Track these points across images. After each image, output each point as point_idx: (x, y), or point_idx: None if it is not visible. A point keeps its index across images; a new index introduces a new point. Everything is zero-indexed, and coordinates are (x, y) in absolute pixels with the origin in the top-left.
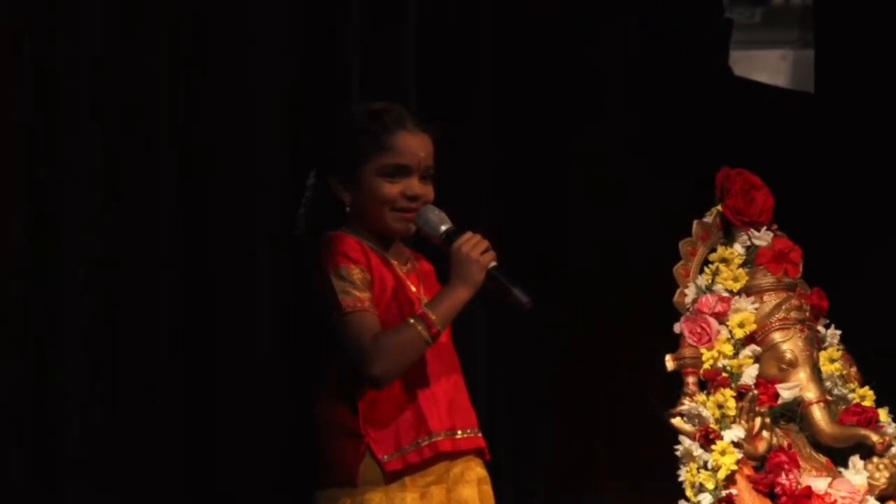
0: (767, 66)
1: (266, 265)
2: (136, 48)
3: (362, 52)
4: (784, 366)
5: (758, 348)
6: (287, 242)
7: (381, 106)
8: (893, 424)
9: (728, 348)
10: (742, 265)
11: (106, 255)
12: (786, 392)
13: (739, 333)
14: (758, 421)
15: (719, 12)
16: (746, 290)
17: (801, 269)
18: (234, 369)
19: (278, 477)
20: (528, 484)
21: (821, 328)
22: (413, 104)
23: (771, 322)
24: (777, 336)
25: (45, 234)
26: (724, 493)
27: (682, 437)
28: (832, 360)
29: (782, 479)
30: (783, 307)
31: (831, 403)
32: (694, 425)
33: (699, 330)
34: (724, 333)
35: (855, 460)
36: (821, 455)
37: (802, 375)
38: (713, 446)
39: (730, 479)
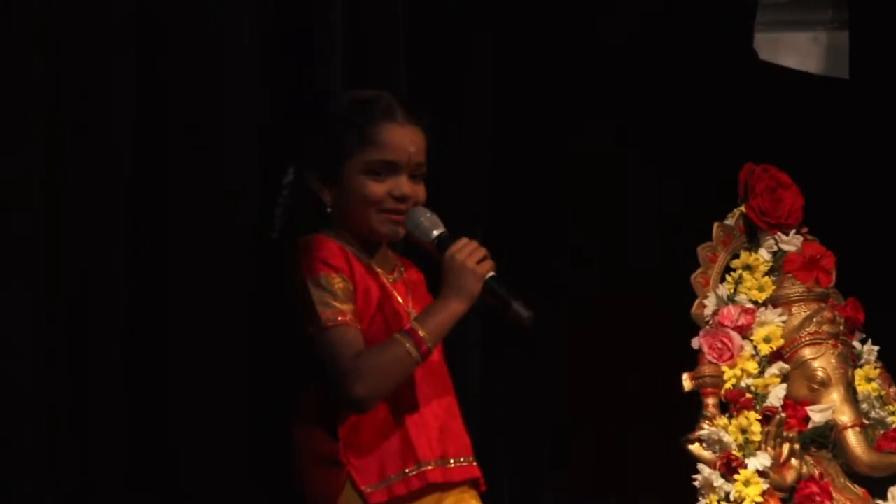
0: (796, 49)
1: (235, 272)
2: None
3: (346, 34)
4: (815, 386)
5: (786, 366)
6: (260, 246)
7: (367, 95)
8: None
9: (752, 366)
10: (768, 273)
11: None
12: (817, 415)
13: (765, 349)
14: (786, 447)
15: None
16: (773, 301)
17: (834, 277)
18: (196, 391)
19: None
20: None
21: (856, 343)
22: (403, 93)
23: (800, 337)
24: (807, 352)
25: None
26: None
27: (701, 466)
28: (869, 380)
29: None
30: (814, 320)
31: (868, 428)
32: (714, 452)
33: (720, 345)
34: (748, 349)
35: (894, 491)
36: (856, 486)
37: (836, 396)
38: (736, 476)
39: None
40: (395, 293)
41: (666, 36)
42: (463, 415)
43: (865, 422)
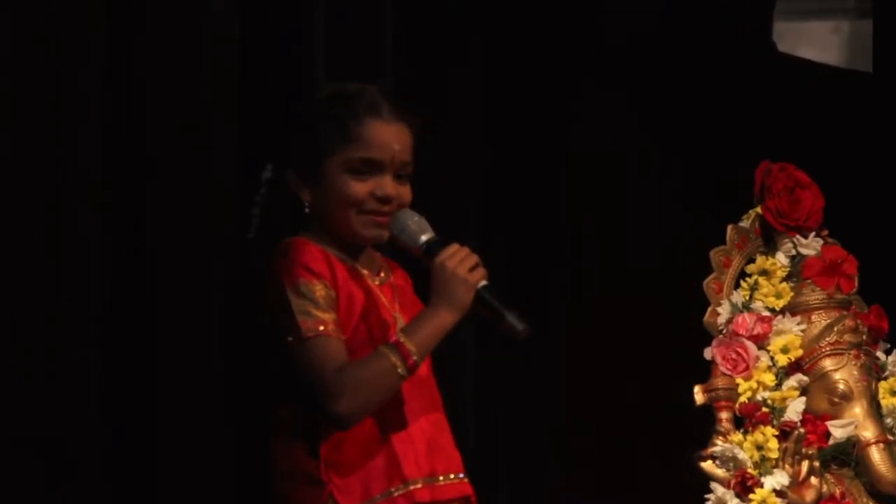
0: (817, 39)
1: (210, 276)
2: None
3: (328, 20)
4: (836, 399)
5: (805, 378)
6: (236, 249)
7: (350, 89)
8: None
9: (769, 378)
10: (786, 278)
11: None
12: (838, 430)
13: (783, 360)
14: (805, 465)
15: None
16: (791, 309)
17: (856, 283)
18: (170, 402)
19: None
20: None
21: (880, 354)
22: (389, 86)
23: (820, 347)
24: (828, 363)
25: None
26: None
27: (713, 485)
28: (894, 392)
29: None
30: (835, 329)
31: (893, 444)
32: (728, 470)
33: (734, 356)
34: (765, 360)
35: None
36: None
37: (858, 410)
38: (751, 495)
39: None
40: (381, 298)
41: (675, 26)
42: (457, 426)
43: (890, 437)
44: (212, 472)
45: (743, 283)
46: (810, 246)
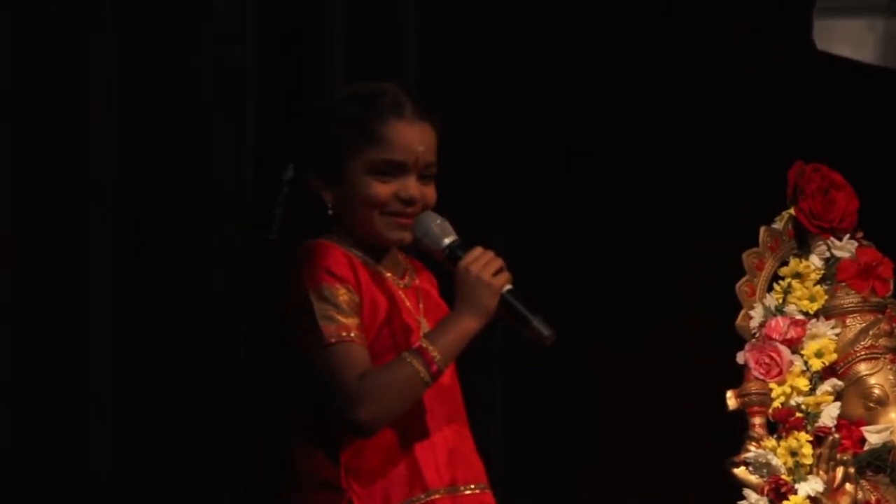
0: (851, 37)
1: (229, 279)
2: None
3: (348, 17)
4: (871, 404)
5: (839, 383)
6: (256, 251)
7: (372, 88)
8: None
9: (803, 383)
10: (820, 281)
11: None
12: (874, 436)
13: (817, 365)
14: (840, 471)
15: None
16: (825, 312)
17: (891, 286)
18: (186, 409)
19: None
20: None
21: None
22: (412, 85)
23: (855, 351)
24: (863, 368)
25: None
26: None
27: (746, 491)
28: None
29: None
30: (870, 333)
31: None
32: (762, 476)
33: (767, 360)
34: (799, 365)
35: None
36: None
37: (894, 415)
38: (785, 502)
39: None
40: (405, 302)
41: (704, 19)
42: (484, 435)
43: None
44: (225, 479)
45: (776, 286)
46: (845, 248)
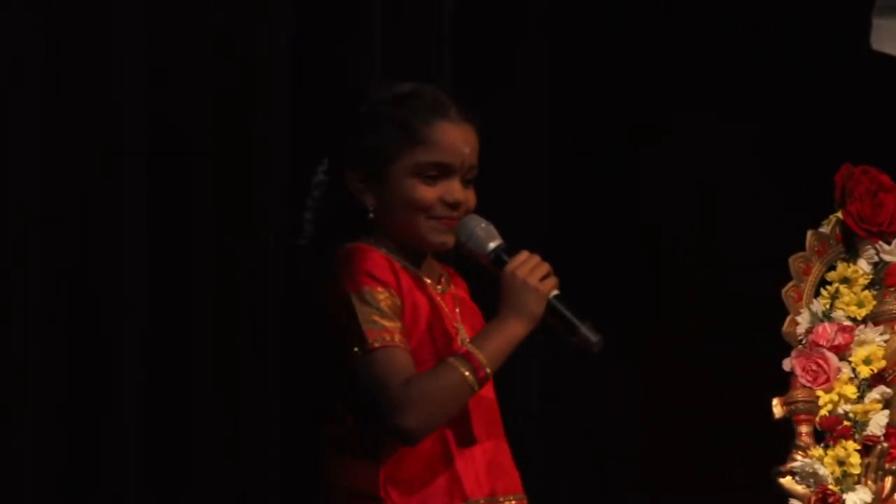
0: None
1: (262, 285)
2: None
3: (384, 10)
4: None
5: (888, 390)
6: (290, 256)
7: (414, 88)
8: None
9: (851, 390)
10: (868, 286)
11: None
12: None
13: (865, 372)
14: (888, 481)
15: None
16: (873, 318)
17: None
18: (220, 416)
19: None
20: None
21: None
22: (448, 84)
23: None
24: None
25: None
26: None
27: (793, 502)
28: None
29: None
30: None
31: None
32: (808, 486)
33: (815, 367)
34: (847, 372)
35: None
36: None
37: None
38: None
39: None
40: (444, 307)
41: (753, 19)
42: (521, 441)
43: None
44: (265, 489)
45: (823, 292)
46: (894, 252)
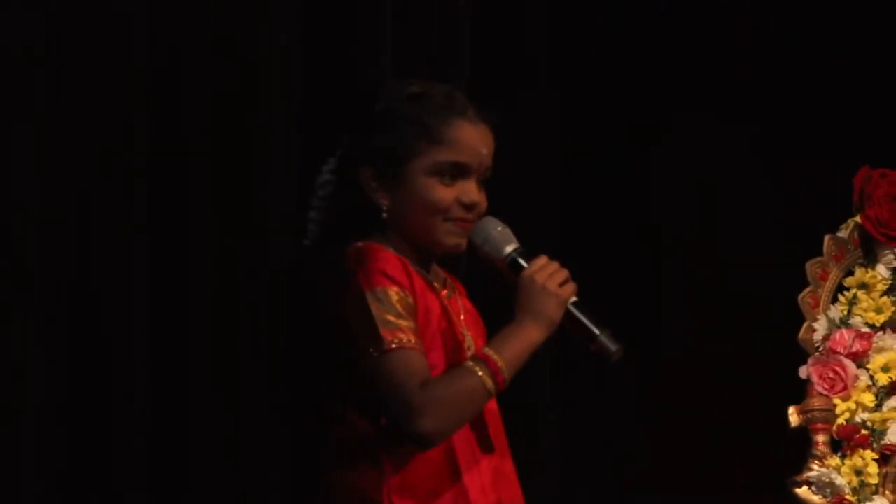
0: None
1: (258, 284)
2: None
3: (395, 17)
4: None
5: None
6: (287, 255)
7: (431, 87)
8: None
9: (869, 398)
10: (887, 292)
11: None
12: None
13: (883, 379)
14: None
15: None
16: (892, 325)
17: None
18: (222, 418)
19: None
20: None
21: None
22: (465, 83)
23: None
24: None
25: None
26: None
27: None
28: None
29: None
30: None
31: None
32: (825, 496)
33: (832, 375)
34: (864, 379)
35: None
36: None
37: None
38: None
39: None
40: (453, 313)
41: (765, 19)
42: (531, 453)
43: None
44: (262, 486)
45: (841, 298)
46: None
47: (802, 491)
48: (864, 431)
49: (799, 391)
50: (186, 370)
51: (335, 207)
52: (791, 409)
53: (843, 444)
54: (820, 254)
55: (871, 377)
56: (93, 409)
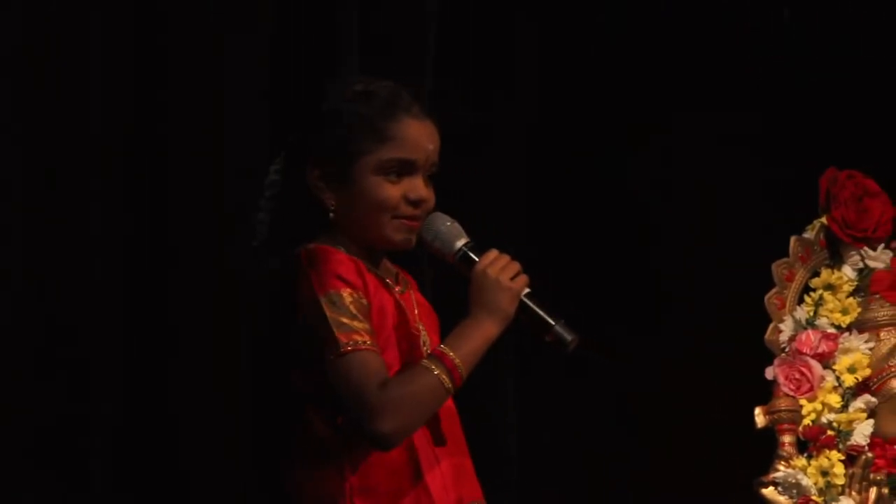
0: None
1: (233, 290)
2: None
3: (364, 26)
4: None
5: (873, 399)
6: (258, 260)
7: (376, 85)
8: None
9: (835, 399)
10: (853, 293)
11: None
12: None
13: (850, 380)
14: (873, 492)
15: None
16: (858, 326)
17: None
18: (188, 422)
19: None
20: None
21: None
22: (429, 79)
23: (889, 366)
24: None
25: None
26: None
27: None
28: None
29: None
30: None
31: None
32: (791, 497)
33: (798, 376)
34: (830, 380)
35: None
36: None
37: None
38: None
39: None
40: (406, 310)
41: (765, 19)
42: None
43: None
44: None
45: (807, 299)
46: (879, 258)
47: (769, 491)
48: (830, 432)
49: (765, 392)
50: (163, 373)
51: (283, 208)
52: (757, 410)
53: (809, 444)
54: (786, 255)
55: (838, 378)
56: (63, 408)
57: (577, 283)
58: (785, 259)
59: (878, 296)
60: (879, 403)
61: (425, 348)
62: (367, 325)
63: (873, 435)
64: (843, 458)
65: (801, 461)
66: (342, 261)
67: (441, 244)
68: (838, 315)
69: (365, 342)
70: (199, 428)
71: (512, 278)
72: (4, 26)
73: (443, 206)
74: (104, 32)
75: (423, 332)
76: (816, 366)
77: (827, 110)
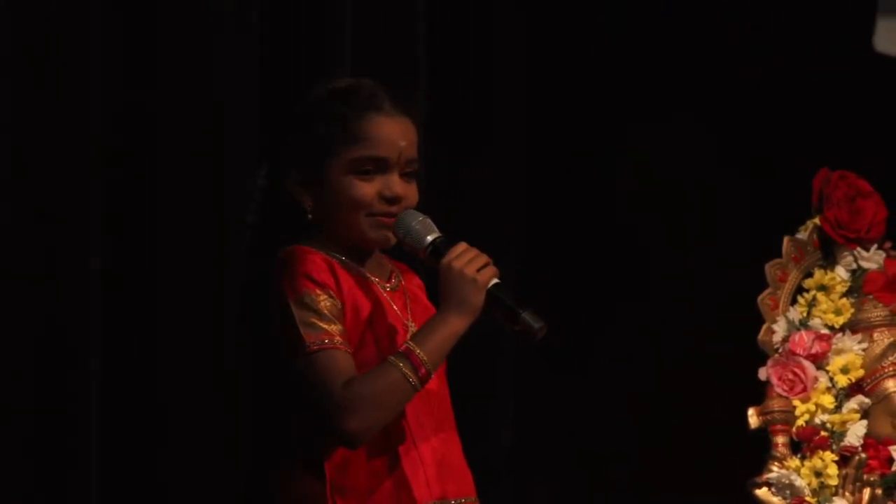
0: None
1: (217, 291)
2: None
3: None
4: None
5: (866, 400)
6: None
7: (347, 83)
8: None
9: (828, 400)
10: (846, 294)
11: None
12: None
13: (843, 381)
14: (867, 492)
15: None
16: (851, 326)
17: None
18: (172, 422)
19: None
20: None
21: None
22: (422, 81)
23: (883, 367)
24: (891, 384)
25: None
26: None
27: None
28: None
29: None
30: None
31: None
32: (785, 498)
33: (791, 377)
34: (824, 381)
35: None
36: None
37: None
38: None
39: None
40: (391, 306)
41: (747, 20)
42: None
43: None
44: (212, 496)
45: (800, 299)
46: (872, 259)
47: (762, 492)
48: (823, 433)
49: (759, 393)
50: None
51: (269, 212)
52: (751, 411)
53: (802, 445)
54: (779, 256)
55: (831, 379)
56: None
57: (577, 283)
58: (778, 259)
59: (871, 296)
60: (873, 404)
61: None
62: (337, 326)
63: (867, 436)
64: (836, 458)
65: (794, 462)
66: (314, 261)
67: (412, 240)
68: (831, 316)
69: (332, 341)
70: (189, 428)
71: (479, 270)
72: (4, 26)
73: (442, 206)
74: (104, 32)
75: (411, 328)
76: (810, 366)
77: (825, 110)
